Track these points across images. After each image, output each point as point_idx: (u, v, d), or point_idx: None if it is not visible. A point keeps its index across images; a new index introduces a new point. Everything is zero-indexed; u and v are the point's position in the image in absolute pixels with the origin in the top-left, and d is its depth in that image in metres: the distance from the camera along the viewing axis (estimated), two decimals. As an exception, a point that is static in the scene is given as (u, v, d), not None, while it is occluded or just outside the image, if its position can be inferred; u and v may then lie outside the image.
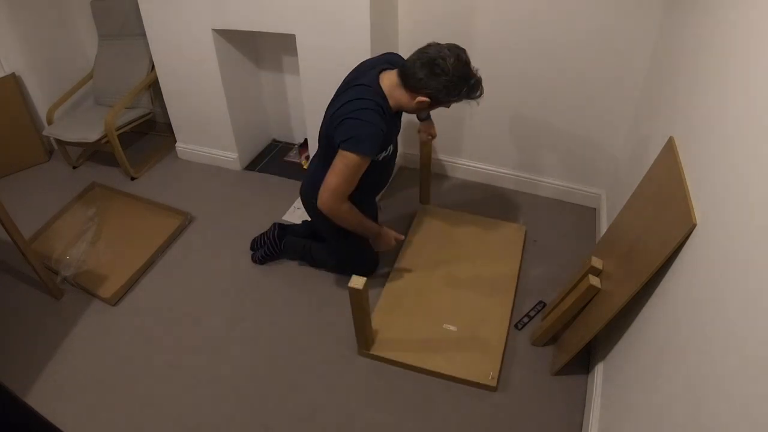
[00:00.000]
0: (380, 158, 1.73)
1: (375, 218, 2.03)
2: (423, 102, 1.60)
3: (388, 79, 1.64)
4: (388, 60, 1.75)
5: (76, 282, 2.18)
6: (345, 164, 1.58)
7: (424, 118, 2.12)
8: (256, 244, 2.28)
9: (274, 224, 2.25)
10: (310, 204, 1.89)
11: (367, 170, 1.64)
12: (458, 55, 1.56)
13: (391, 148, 1.80)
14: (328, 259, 2.16)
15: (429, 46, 1.59)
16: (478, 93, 1.63)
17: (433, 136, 2.17)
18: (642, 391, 1.23)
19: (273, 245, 2.20)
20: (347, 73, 1.81)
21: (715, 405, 0.87)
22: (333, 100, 1.75)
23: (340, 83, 1.83)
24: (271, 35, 2.49)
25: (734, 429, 0.79)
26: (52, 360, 1.89)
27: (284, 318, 2.02)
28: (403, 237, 2.00)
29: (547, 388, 1.73)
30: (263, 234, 2.27)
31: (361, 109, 1.57)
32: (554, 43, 2.13)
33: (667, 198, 1.35)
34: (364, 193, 1.78)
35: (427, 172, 2.41)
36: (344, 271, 2.15)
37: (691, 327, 1.05)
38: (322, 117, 1.80)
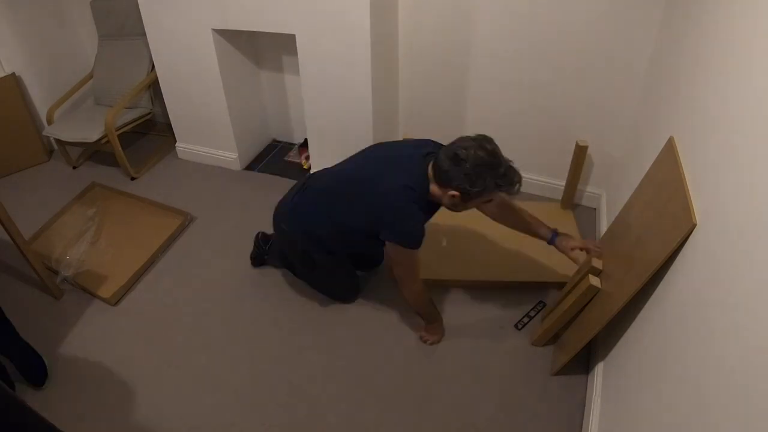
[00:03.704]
0: None
1: (380, 255, 2.13)
2: (454, 196, 1.53)
3: (430, 171, 1.60)
4: (432, 148, 1.68)
5: (76, 282, 2.18)
6: (404, 257, 1.62)
7: (551, 240, 1.80)
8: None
9: (258, 233, 2.23)
10: (288, 230, 1.86)
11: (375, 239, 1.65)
12: (481, 144, 1.49)
13: None
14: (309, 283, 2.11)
15: (458, 139, 1.54)
16: (513, 181, 1.52)
17: (585, 249, 1.74)
18: (642, 391, 1.23)
19: (259, 245, 2.20)
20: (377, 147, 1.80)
21: (716, 405, 0.87)
22: (375, 164, 1.68)
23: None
24: (271, 35, 2.50)
25: (735, 428, 0.79)
26: (52, 360, 1.89)
27: (284, 317, 2.02)
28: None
29: (547, 388, 1.73)
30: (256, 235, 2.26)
31: (408, 201, 1.56)
32: (554, 43, 2.13)
33: (667, 198, 1.35)
34: (354, 245, 1.88)
35: None
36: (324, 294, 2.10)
37: (691, 327, 1.05)
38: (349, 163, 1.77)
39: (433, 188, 1.58)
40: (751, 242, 0.89)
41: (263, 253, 2.20)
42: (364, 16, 2.06)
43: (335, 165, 1.83)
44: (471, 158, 1.47)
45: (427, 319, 1.86)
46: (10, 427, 1.24)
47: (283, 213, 1.87)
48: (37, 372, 1.80)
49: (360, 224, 1.67)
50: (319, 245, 1.83)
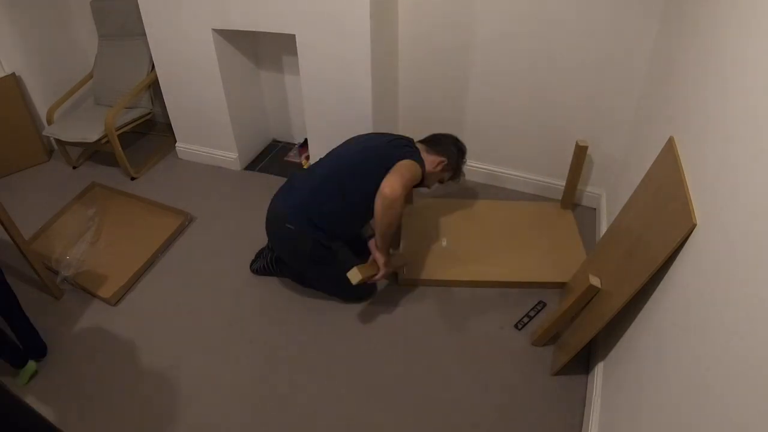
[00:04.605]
0: None
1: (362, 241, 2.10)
2: (442, 161, 2.03)
3: (422, 146, 2.07)
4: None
5: (76, 282, 2.19)
6: (409, 168, 1.83)
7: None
8: (259, 255, 2.25)
9: (268, 255, 2.17)
10: (295, 229, 1.85)
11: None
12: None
13: None
14: (323, 288, 2.10)
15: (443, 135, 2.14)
16: (463, 171, 2.19)
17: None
18: (642, 390, 1.23)
19: (269, 265, 2.16)
20: (360, 134, 2.09)
21: (715, 404, 0.87)
22: (369, 141, 2.00)
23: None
24: (271, 35, 2.50)
25: (734, 428, 0.79)
26: (52, 360, 1.89)
27: (284, 317, 2.02)
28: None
29: (547, 388, 1.73)
30: (266, 246, 2.23)
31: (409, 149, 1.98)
32: (554, 43, 2.13)
33: (667, 198, 1.35)
34: (363, 219, 1.97)
35: None
36: (339, 297, 2.09)
37: (691, 327, 1.05)
38: (340, 152, 1.99)
39: (425, 156, 2.00)
40: (751, 242, 0.89)
41: (273, 273, 2.18)
42: (364, 16, 2.06)
43: (321, 159, 2.01)
44: (463, 146, 2.14)
45: (386, 244, 1.88)
46: (10, 427, 1.24)
47: (284, 214, 1.87)
48: (37, 345, 1.89)
49: (373, 184, 1.79)
50: (331, 233, 1.87)
